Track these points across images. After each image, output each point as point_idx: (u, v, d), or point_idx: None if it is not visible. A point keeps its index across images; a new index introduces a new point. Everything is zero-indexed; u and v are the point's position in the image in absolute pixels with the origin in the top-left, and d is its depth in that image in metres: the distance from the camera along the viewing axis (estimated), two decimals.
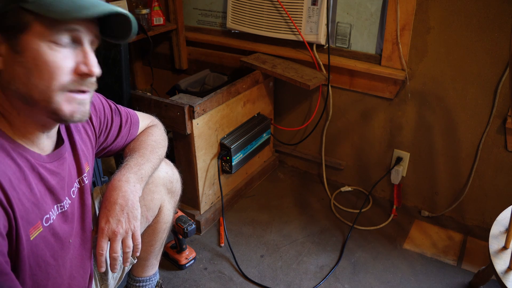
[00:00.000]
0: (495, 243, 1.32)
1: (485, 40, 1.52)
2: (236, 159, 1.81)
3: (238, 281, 1.55)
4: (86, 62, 0.72)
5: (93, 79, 0.75)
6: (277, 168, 2.23)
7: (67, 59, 0.70)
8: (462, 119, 1.67)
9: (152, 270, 1.34)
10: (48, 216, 0.80)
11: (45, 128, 0.79)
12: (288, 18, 1.86)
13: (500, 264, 1.25)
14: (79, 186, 0.91)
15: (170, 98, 1.61)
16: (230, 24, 2.04)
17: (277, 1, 1.86)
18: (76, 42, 0.72)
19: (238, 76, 1.86)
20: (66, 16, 0.67)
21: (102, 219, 0.92)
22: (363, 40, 1.78)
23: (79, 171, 0.92)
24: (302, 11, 1.82)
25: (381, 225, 1.83)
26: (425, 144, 1.80)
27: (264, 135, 1.99)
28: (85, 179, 0.93)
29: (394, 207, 1.90)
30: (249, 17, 1.97)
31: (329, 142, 2.05)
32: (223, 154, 1.76)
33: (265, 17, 1.93)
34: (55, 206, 0.83)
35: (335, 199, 2.00)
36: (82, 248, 0.94)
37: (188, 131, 1.58)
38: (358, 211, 1.90)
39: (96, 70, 0.73)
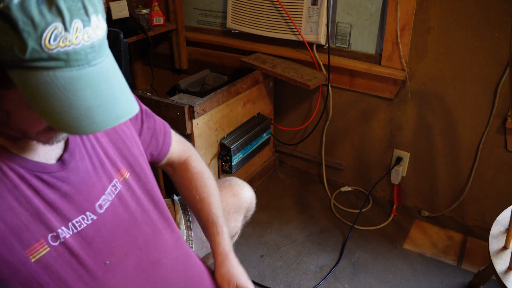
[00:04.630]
0: (495, 243, 1.32)
1: (485, 40, 1.52)
2: (236, 159, 1.81)
3: None
4: None
5: None
6: (277, 168, 2.23)
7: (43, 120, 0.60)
8: (462, 119, 1.67)
9: None
10: (55, 234, 0.69)
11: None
12: (288, 18, 1.86)
13: (500, 264, 1.25)
14: (111, 199, 0.79)
15: (170, 98, 1.61)
16: (230, 24, 2.04)
17: (277, 1, 1.86)
18: None
19: (238, 76, 1.86)
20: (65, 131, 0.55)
21: None
22: (363, 40, 1.78)
23: (108, 180, 0.80)
24: (302, 11, 1.82)
25: (381, 225, 1.83)
26: (425, 144, 1.80)
27: (264, 135, 1.99)
28: (113, 189, 0.80)
29: (394, 207, 1.90)
30: (249, 17, 1.97)
31: (329, 142, 2.05)
32: (223, 154, 1.76)
33: (265, 17, 1.93)
34: (70, 224, 0.71)
35: (335, 199, 2.00)
36: (142, 271, 0.81)
37: (188, 131, 1.58)
38: (358, 211, 1.90)
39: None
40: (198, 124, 1.60)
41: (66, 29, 0.51)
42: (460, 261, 1.64)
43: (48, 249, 0.68)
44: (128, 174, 0.84)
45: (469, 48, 1.56)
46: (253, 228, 1.81)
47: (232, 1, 1.99)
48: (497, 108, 1.58)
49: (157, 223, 0.88)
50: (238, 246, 1.70)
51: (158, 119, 1.01)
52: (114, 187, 0.80)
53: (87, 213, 0.74)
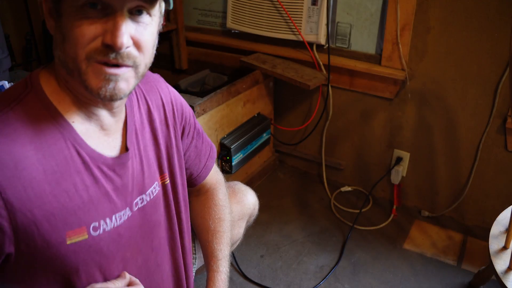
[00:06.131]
0: (495, 243, 1.32)
1: (485, 40, 1.52)
2: (236, 159, 1.81)
3: (238, 281, 1.55)
4: (111, 31, 0.62)
5: (129, 52, 0.65)
6: (277, 168, 2.23)
7: (92, 26, 0.62)
8: (462, 119, 1.67)
9: None
10: (96, 224, 0.72)
11: (103, 105, 0.72)
12: (288, 18, 1.86)
13: (500, 264, 1.25)
14: (148, 199, 0.83)
15: None
16: (230, 24, 2.04)
17: (277, 1, 1.86)
18: (109, 8, 0.63)
19: (238, 76, 1.86)
20: None
21: None
22: (363, 40, 1.78)
23: (150, 181, 0.84)
24: (302, 11, 1.82)
25: (381, 225, 1.83)
26: (425, 144, 1.80)
27: (264, 135, 1.99)
28: (153, 191, 0.85)
29: (394, 207, 1.90)
30: (249, 17, 1.97)
31: (329, 142, 2.05)
32: (223, 154, 1.76)
33: (265, 17, 1.93)
34: (114, 217, 0.75)
35: (335, 199, 2.00)
36: (146, 269, 0.85)
37: None
38: (358, 211, 1.90)
39: (120, 40, 0.62)
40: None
41: None
42: (460, 261, 1.64)
43: (87, 237, 0.70)
44: (168, 180, 0.88)
45: (469, 48, 1.56)
46: (253, 228, 1.81)
47: (232, 1, 1.99)
48: (497, 108, 1.58)
49: (174, 232, 0.91)
50: (238, 246, 1.70)
51: (205, 141, 1.03)
52: (154, 189, 0.84)
53: (127, 208, 0.78)
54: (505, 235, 1.31)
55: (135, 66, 0.67)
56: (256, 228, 1.81)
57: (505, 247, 1.30)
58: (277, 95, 2.09)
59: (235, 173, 1.91)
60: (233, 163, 1.79)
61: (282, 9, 1.86)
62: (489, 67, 1.54)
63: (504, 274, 1.22)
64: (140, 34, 0.66)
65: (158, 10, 0.70)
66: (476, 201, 1.77)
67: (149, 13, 0.67)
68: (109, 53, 0.63)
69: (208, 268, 1.00)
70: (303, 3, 1.81)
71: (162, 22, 0.73)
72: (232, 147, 1.75)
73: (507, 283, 1.19)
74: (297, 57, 1.91)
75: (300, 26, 1.85)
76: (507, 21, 1.45)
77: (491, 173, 1.69)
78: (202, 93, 1.76)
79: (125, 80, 0.67)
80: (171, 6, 0.68)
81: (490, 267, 1.29)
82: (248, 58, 1.92)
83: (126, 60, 0.65)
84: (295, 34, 1.88)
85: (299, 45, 1.93)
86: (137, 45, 0.66)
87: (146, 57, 0.69)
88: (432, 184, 1.85)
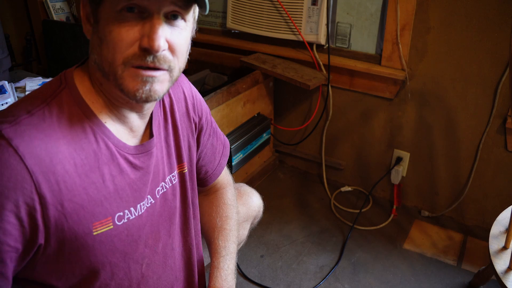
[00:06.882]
0: (495, 243, 1.32)
1: (485, 40, 1.52)
2: (236, 159, 1.81)
3: (238, 281, 1.55)
4: (148, 35, 0.64)
5: (165, 55, 0.67)
6: (277, 168, 2.23)
7: (130, 31, 0.64)
8: (462, 119, 1.67)
9: None
10: (121, 214, 0.74)
11: (133, 108, 0.74)
12: (288, 18, 1.86)
13: (500, 264, 1.25)
14: (168, 186, 0.86)
15: None
16: (230, 24, 2.04)
17: (277, 1, 1.86)
18: (146, 12, 0.65)
19: (238, 76, 1.86)
20: None
21: None
22: (363, 40, 1.78)
23: (170, 170, 0.86)
24: (302, 11, 1.82)
25: (381, 225, 1.83)
26: (425, 144, 1.80)
27: (264, 135, 1.99)
28: (173, 179, 0.87)
29: (394, 207, 1.90)
30: (249, 17, 1.97)
31: (329, 142, 2.05)
32: None
33: (265, 17, 1.93)
34: (139, 205, 0.77)
35: (335, 199, 2.00)
36: (163, 254, 0.87)
37: None
38: (358, 211, 1.90)
39: (157, 43, 0.64)
40: None
41: None
42: (460, 261, 1.64)
43: (112, 227, 0.73)
44: (186, 169, 0.91)
45: (469, 48, 1.56)
46: (253, 228, 1.81)
47: (232, 1, 1.99)
48: (497, 108, 1.58)
49: (188, 218, 0.93)
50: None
51: (219, 139, 1.04)
52: (174, 177, 0.87)
53: (149, 196, 0.80)
54: (505, 235, 1.31)
55: (170, 70, 0.69)
56: (256, 228, 1.80)
57: (505, 247, 1.30)
58: (277, 95, 2.09)
59: (235, 173, 1.91)
60: (233, 163, 1.79)
61: (282, 9, 1.86)
62: (489, 67, 1.55)
63: (504, 274, 1.22)
64: (175, 38, 0.68)
65: (192, 16, 0.72)
66: (476, 201, 1.77)
67: (184, 18, 0.69)
68: (146, 57, 0.65)
69: (211, 264, 1.01)
70: (303, 3, 1.81)
71: (196, 28, 0.75)
72: (232, 147, 1.75)
73: (507, 283, 1.19)
74: (297, 57, 1.91)
75: (300, 26, 1.85)
76: (507, 21, 1.45)
77: (491, 173, 1.69)
78: (202, 93, 1.75)
79: (160, 82, 0.69)
80: (207, 11, 0.69)
81: (490, 267, 1.29)
82: (248, 58, 1.92)
83: (162, 63, 0.67)
84: (295, 34, 1.88)
85: (299, 45, 1.93)
86: (171, 49, 0.68)
87: (180, 61, 0.71)
88: (432, 184, 1.85)
